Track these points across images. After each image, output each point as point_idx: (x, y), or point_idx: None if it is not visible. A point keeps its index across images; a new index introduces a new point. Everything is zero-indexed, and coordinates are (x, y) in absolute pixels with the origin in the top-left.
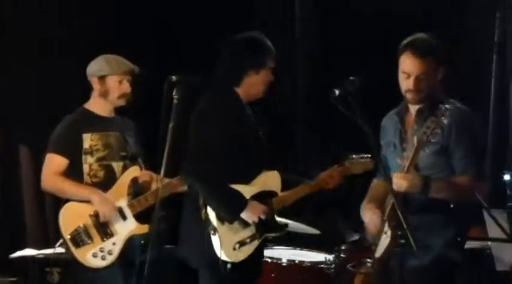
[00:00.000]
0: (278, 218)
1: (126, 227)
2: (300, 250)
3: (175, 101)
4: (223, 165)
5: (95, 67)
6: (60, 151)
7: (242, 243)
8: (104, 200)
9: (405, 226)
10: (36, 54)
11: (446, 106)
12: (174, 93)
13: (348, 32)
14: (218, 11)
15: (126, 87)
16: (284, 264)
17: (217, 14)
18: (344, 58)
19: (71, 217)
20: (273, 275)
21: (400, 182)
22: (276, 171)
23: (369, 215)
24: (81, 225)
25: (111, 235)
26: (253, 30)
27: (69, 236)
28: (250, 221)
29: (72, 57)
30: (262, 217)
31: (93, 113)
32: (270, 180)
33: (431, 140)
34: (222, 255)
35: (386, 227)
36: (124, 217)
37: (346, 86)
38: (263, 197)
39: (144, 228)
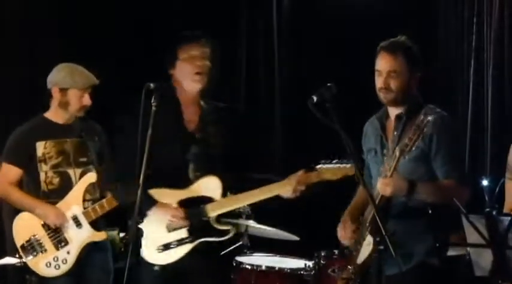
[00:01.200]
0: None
1: (81, 235)
2: (280, 256)
3: (153, 108)
4: (157, 168)
5: (57, 77)
6: (12, 161)
7: (166, 246)
8: (47, 212)
9: (384, 233)
10: None
11: (429, 118)
12: (152, 100)
13: (325, 38)
14: (198, 17)
15: (87, 100)
16: (264, 270)
17: (197, 20)
18: (320, 63)
19: (24, 227)
20: (252, 282)
21: (383, 187)
22: (214, 176)
23: (340, 232)
24: (34, 235)
25: (66, 243)
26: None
27: (21, 247)
28: (163, 221)
29: (33, 64)
30: (170, 219)
31: (50, 121)
32: (206, 185)
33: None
34: (146, 257)
35: (368, 234)
36: (79, 225)
37: (323, 92)
38: (195, 202)
39: (101, 235)
